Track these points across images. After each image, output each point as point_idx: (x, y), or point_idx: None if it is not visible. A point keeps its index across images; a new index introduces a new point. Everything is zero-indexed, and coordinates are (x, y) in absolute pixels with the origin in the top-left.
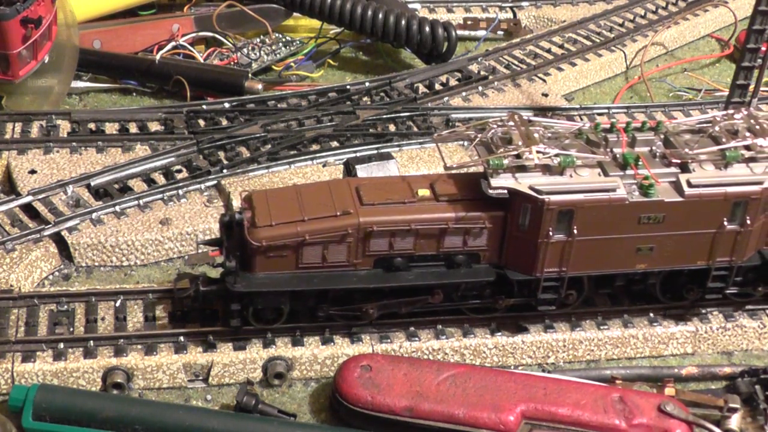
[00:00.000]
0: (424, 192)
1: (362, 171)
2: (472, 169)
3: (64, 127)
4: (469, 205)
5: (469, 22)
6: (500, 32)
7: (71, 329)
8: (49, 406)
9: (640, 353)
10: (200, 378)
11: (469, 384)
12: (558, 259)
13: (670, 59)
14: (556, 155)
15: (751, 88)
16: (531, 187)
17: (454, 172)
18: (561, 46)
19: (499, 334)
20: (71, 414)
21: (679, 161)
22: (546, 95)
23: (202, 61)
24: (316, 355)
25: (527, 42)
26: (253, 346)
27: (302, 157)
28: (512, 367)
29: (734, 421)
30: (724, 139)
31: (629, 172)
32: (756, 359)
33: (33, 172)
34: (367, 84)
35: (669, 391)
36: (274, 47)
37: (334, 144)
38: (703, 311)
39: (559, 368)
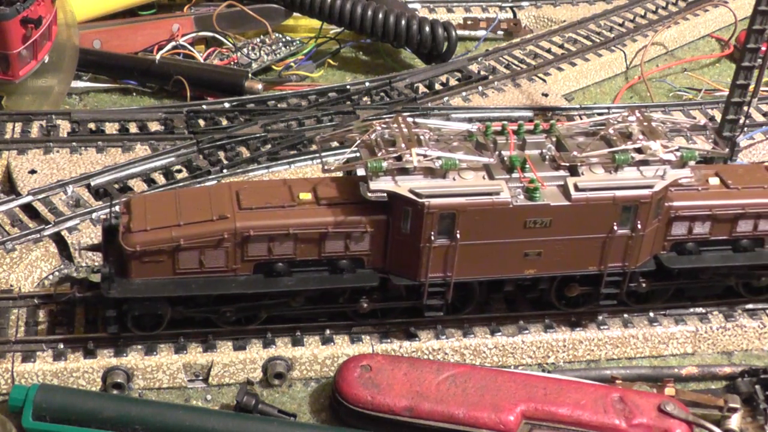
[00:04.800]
0: (305, 196)
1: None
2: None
3: (64, 127)
4: (350, 209)
5: (469, 22)
6: (500, 32)
7: (71, 329)
8: (49, 406)
9: (640, 353)
10: (200, 378)
11: (469, 384)
12: (442, 263)
13: (670, 59)
14: (438, 158)
15: (751, 88)
16: (411, 191)
17: (337, 175)
18: (561, 46)
19: (499, 334)
20: (71, 414)
21: (568, 164)
22: (546, 95)
23: (202, 61)
24: (316, 355)
25: (527, 42)
26: (253, 346)
27: (302, 157)
28: (512, 367)
29: (734, 421)
30: (618, 143)
31: (515, 175)
32: (756, 359)
33: (33, 172)
34: (367, 84)
35: (669, 391)
36: (274, 47)
37: (334, 144)
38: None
39: (559, 368)
